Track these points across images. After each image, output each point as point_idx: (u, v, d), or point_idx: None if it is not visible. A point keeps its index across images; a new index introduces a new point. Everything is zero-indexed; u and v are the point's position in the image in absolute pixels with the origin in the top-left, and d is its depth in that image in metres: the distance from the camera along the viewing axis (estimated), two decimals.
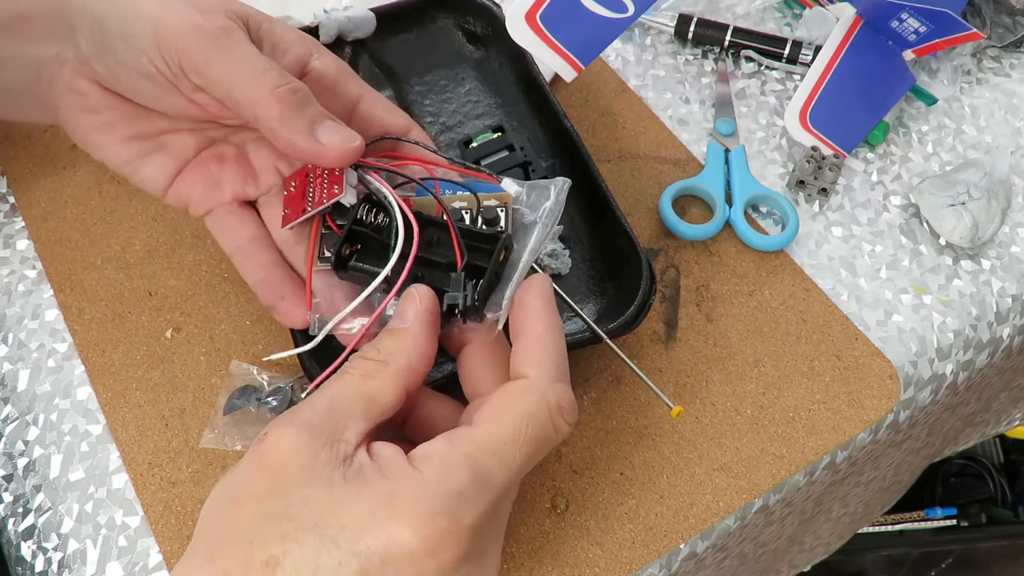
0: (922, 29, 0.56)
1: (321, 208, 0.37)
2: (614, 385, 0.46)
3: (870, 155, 0.57)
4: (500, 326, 0.35)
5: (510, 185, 0.38)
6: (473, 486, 0.29)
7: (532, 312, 0.34)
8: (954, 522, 1.11)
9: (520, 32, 0.48)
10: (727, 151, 0.55)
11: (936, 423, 0.57)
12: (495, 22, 0.54)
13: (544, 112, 0.51)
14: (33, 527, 0.41)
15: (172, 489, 0.41)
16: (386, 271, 0.35)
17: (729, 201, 0.52)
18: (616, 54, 0.60)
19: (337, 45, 0.52)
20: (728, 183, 0.53)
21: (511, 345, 0.34)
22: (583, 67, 0.48)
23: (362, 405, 0.31)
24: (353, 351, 0.34)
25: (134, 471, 0.42)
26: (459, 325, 0.35)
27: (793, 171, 0.54)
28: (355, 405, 0.31)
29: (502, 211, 0.38)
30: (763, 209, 0.53)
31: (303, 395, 0.38)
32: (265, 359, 0.40)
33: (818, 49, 0.59)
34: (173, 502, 0.41)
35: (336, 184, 0.37)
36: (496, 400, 0.32)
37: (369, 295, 0.35)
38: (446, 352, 0.37)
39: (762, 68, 0.60)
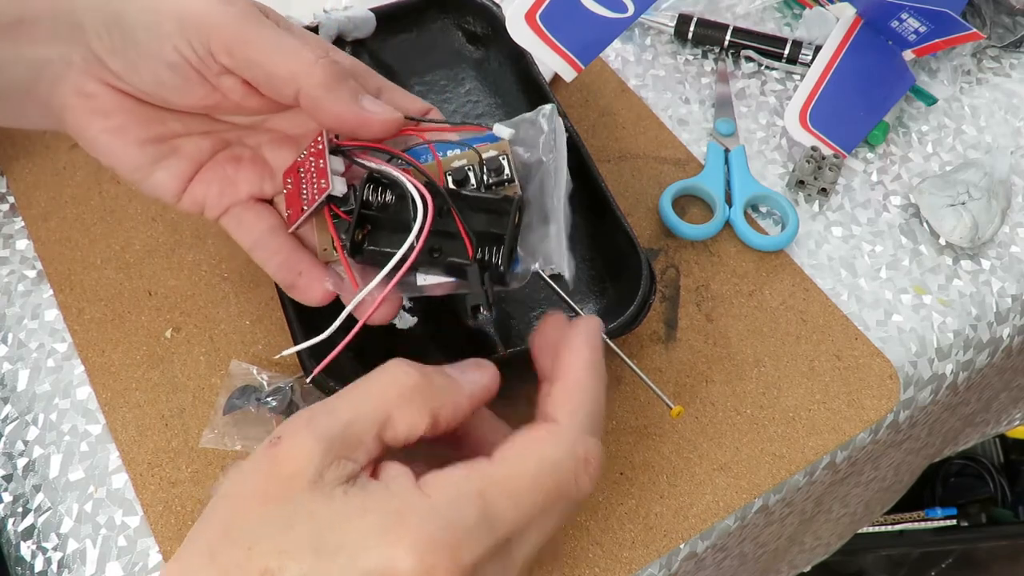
0: (922, 29, 0.56)
1: (316, 205, 0.37)
2: (614, 385, 0.46)
3: (870, 155, 0.57)
4: (571, 279, 0.36)
5: (502, 130, 0.38)
6: (479, 523, 0.28)
7: (576, 354, 0.33)
8: (954, 522, 1.11)
9: (520, 32, 0.48)
10: (727, 151, 0.55)
11: (936, 423, 0.57)
12: (495, 22, 0.54)
13: None
14: (33, 527, 0.41)
15: (172, 489, 0.41)
16: (403, 249, 0.35)
17: (729, 201, 0.52)
18: (616, 54, 0.60)
19: (337, 45, 0.52)
20: (728, 183, 0.53)
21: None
22: (583, 67, 0.48)
23: (375, 430, 0.30)
24: (365, 325, 0.35)
25: (134, 471, 0.42)
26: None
27: (793, 171, 0.54)
28: (371, 429, 0.30)
29: (504, 159, 0.37)
30: (763, 209, 0.53)
31: (307, 381, 0.38)
32: (278, 356, 0.39)
33: (818, 49, 0.59)
34: (173, 502, 0.41)
35: (322, 178, 0.36)
36: (522, 440, 0.30)
37: (391, 271, 0.35)
38: None
39: (762, 68, 0.60)
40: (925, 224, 0.53)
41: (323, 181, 0.36)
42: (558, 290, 0.37)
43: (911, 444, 0.57)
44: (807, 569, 0.70)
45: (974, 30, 0.54)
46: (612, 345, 0.38)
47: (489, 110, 0.53)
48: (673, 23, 0.61)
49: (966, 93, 0.61)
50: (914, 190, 0.54)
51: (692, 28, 0.60)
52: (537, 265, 0.36)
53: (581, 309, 0.40)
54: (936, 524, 1.11)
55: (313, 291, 0.38)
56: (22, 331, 0.46)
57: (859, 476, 0.55)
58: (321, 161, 0.37)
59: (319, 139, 0.37)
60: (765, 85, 0.60)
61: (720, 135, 0.56)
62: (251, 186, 0.40)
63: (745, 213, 0.52)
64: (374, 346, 0.44)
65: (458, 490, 0.28)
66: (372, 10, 0.53)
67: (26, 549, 0.41)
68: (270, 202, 0.40)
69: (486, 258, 0.35)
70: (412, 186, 0.35)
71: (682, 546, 0.42)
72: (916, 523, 1.11)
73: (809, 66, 0.58)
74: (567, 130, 0.48)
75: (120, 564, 0.40)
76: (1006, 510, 1.13)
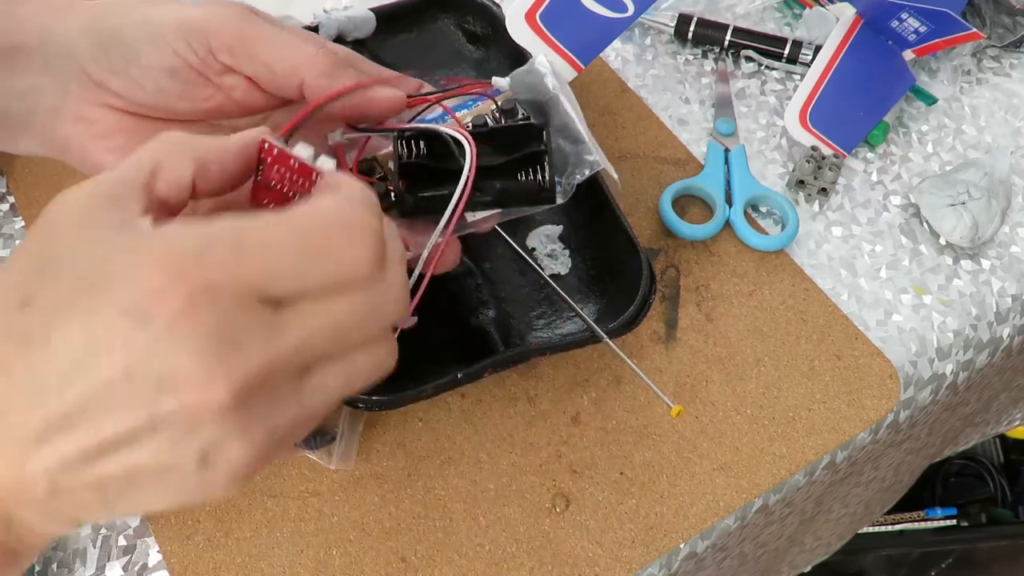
0: (922, 29, 0.56)
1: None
2: (614, 385, 0.46)
3: (870, 155, 0.57)
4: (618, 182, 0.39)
5: (501, 81, 0.40)
6: (230, 255, 0.24)
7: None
8: (954, 522, 1.11)
9: (520, 32, 0.48)
10: (727, 151, 0.55)
11: (936, 423, 0.57)
12: (495, 22, 0.54)
13: None
14: None
15: None
16: (461, 183, 0.35)
17: (729, 201, 0.52)
18: (616, 54, 0.60)
19: None
20: (728, 183, 0.53)
21: None
22: (583, 67, 0.48)
23: (148, 175, 0.28)
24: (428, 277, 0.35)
25: None
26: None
27: (793, 171, 0.54)
28: (140, 173, 0.28)
29: (515, 102, 0.40)
30: (763, 209, 0.53)
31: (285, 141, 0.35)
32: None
33: (818, 49, 0.59)
34: None
35: (305, 173, 0.34)
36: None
37: (423, 227, 0.37)
38: None
39: (762, 68, 0.60)
40: (925, 224, 0.53)
41: (310, 175, 0.35)
42: (558, 290, 0.37)
43: (911, 444, 0.57)
44: (807, 569, 0.70)
45: (974, 30, 0.54)
46: (612, 345, 0.38)
47: None
48: (673, 23, 0.61)
49: (966, 93, 0.61)
50: (914, 190, 0.54)
51: (692, 28, 0.60)
52: (588, 172, 0.39)
53: (581, 309, 0.41)
54: (936, 524, 1.11)
55: None
56: None
57: (859, 476, 0.55)
58: (292, 161, 0.35)
59: (265, 152, 0.32)
60: (765, 85, 0.60)
61: (720, 135, 0.56)
62: None
63: (745, 213, 0.52)
64: None
65: (215, 227, 0.25)
66: (372, 10, 0.53)
67: None
68: None
69: (529, 177, 0.38)
70: (448, 130, 0.37)
71: (682, 546, 0.42)
72: (916, 523, 1.11)
73: (809, 66, 0.58)
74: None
75: (120, 564, 0.40)
76: (1006, 510, 1.13)
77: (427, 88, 0.42)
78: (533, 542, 0.41)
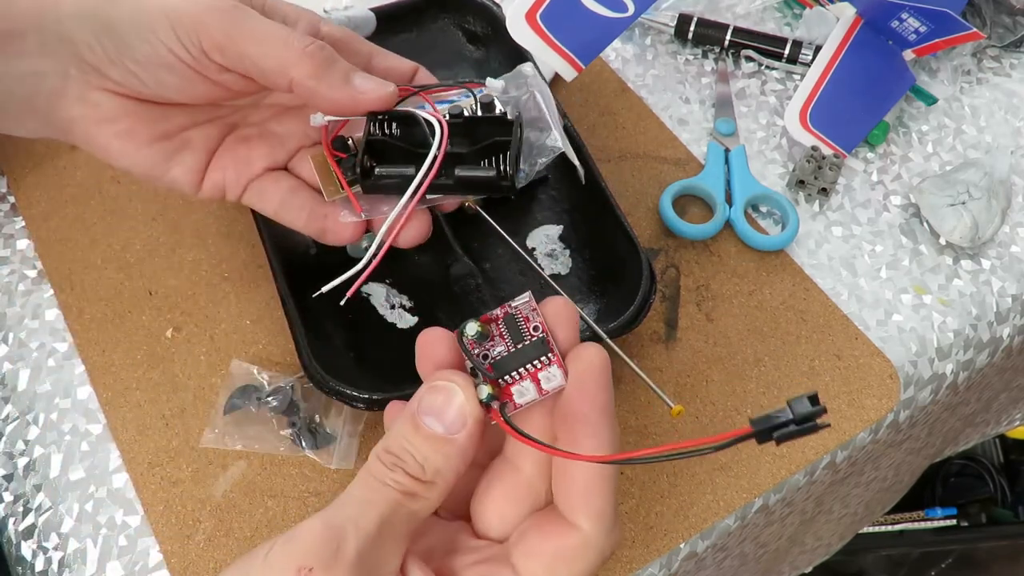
0: (922, 29, 0.56)
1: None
2: (614, 385, 0.46)
3: (870, 155, 0.57)
4: (582, 176, 0.43)
5: (495, 83, 0.41)
6: None
7: (592, 429, 0.29)
8: (954, 522, 1.11)
9: (520, 32, 0.48)
10: (727, 151, 0.55)
11: (936, 423, 0.57)
12: (495, 22, 0.54)
13: None
14: (33, 527, 0.41)
15: (172, 488, 0.41)
16: (428, 162, 0.37)
17: (729, 201, 0.52)
18: (616, 54, 0.60)
19: None
20: (728, 183, 0.53)
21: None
22: (583, 67, 0.48)
23: (407, 527, 0.28)
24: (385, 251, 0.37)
25: (134, 470, 0.42)
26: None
27: (793, 171, 0.54)
28: (401, 528, 0.28)
29: (494, 98, 0.41)
30: (763, 209, 0.53)
31: (341, 303, 0.38)
32: (315, 294, 0.38)
33: (818, 49, 0.59)
34: (173, 501, 0.41)
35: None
36: (548, 558, 0.29)
37: (390, 199, 0.39)
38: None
39: (762, 68, 0.60)
40: (925, 224, 0.53)
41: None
42: (559, 290, 0.37)
43: (911, 444, 0.57)
44: (808, 570, 0.70)
45: (974, 30, 0.54)
46: (612, 345, 0.38)
47: None
48: (673, 23, 0.61)
49: (966, 93, 0.61)
50: (914, 190, 0.54)
51: (692, 28, 0.60)
52: (549, 155, 0.41)
53: (582, 309, 0.40)
54: (936, 524, 1.11)
55: (342, 228, 0.40)
56: (23, 331, 0.46)
57: (859, 476, 0.55)
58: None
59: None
60: (765, 85, 0.60)
61: (720, 135, 0.56)
62: (264, 159, 0.41)
63: (745, 213, 0.52)
64: (374, 346, 0.44)
65: None
66: (372, 10, 0.54)
67: (27, 548, 0.41)
68: (283, 169, 0.42)
69: (494, 166, 0.39)
70: (424, 112, 0.38)
71: (682, 546, 0.42)
72: (916, 523, 1.11)
73: (809, 66, 0.58)
74: (568, 130, 0.48)
75: (120, 563, 0.40)
76: (1006, 510, 1.13)
77: (422, 71, 0.43)
78: None
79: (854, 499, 0.60)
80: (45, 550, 0.40)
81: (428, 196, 0.39)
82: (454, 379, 0.30)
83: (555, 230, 0.49)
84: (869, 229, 0.53)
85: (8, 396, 0.44)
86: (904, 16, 0.56)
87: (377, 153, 0.39)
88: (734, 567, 0.50)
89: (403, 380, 0.37)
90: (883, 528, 1.10)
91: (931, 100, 0.59)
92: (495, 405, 0.29)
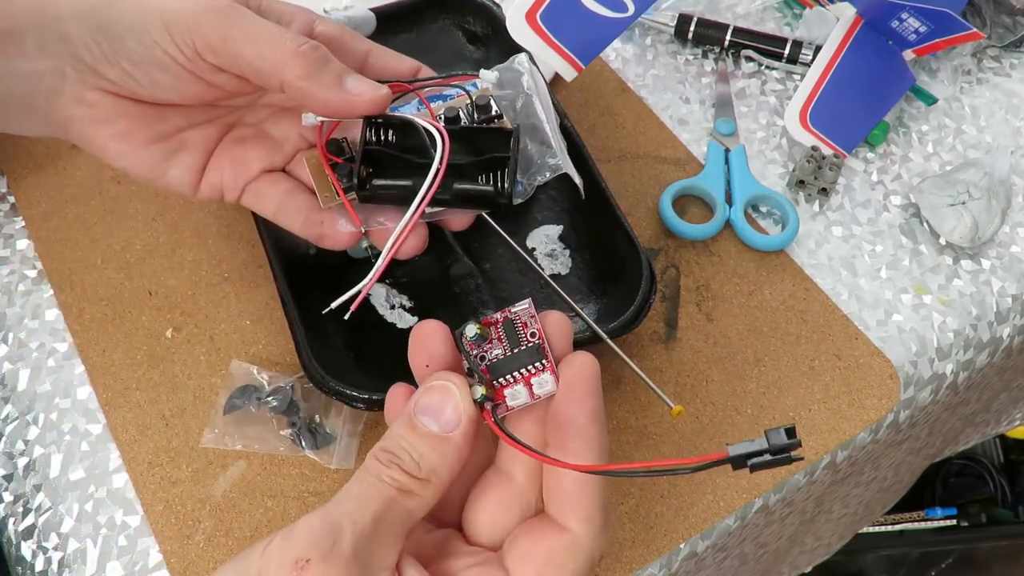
0: (922, 29, 0.56)
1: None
2: (614, 385, 0.46)
3: (870, 155, 0.57)
4: (582, 187, 0.41)
5: (488, 75, 0.41)
6: None
7: (579, 433, 0.30)
8: (954, 522, 1.11)
9: (520, 32, 0.48)
10: (727, 151, 0.55)
11: (936, 423, 0.57)
12: (495, 22, 0.54)
13: None
14: (33, 527, 0.41)
15: (172, 488, 0.41)
16: (430, 176, 0.36)
17: (729, 201, 0.52)
18: (616, 54, 0.60)
19: None
20: (728, 183, 0.53)
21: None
22: (583, 67, 0.48)
23: (403, 525, 0.29)
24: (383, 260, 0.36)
25: (134, 470, 0.42)
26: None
27: (793, 171, 0.54)
28: (397, 525, 0.29)
29: (490, 99, 0.41)
30: (763, 209, 0.53)
31: (345, 317, 0.37)
32: (325, 310, 0.38)
33: (818, 49, 0.59)
34: (173, 501, 0.41)
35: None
36: (540, 561, 0.29)
37: (385, 207, 0.39)
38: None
39: (762, 68, 0.60)
40: (925, 224, 0.53)
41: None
42: (558, 290, 0.37)
43: (911, 444, 0.57)
44: (808, 570, 0.70)
45: (974, 30, 0.54)
46: (613, 345, 0.38)
47: None
48: (673, 23, 0.61)
49: (966, 93, 0.61)
50: (914, 190, 0.54)
51: (692, 28, 0.60)
52: (548, 174, 0.40)
53: (582, 309, 0.40)
54: (936, 524, 1.11)
55: (338, 236, 0.40)
56: (23, 331, 0.46)
57: (859, 476, 0.55)
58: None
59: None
60: (765, 85, 0.60)
61: (720, 135, 0.56)
62: (261, 161, 0.41)
63: (745, 213, 0.52)
64: (374, 346, 0.44)
65: None
66: (372, 10, 0.54)
67: (27, 549, 0.41)
68: (281, 171, 0.42)
69: (491, 181, 0.38)
70: (424, 122, 0.38)
71: (682, 546, 0.42)
72: (916, 523, 1.11)
73: (809, 66, 0.58)
74: (567, 130, 0.48)
75: (120, 563, 0.40)
76: (1006, 510, 1.13)
77: (425, 71, 0.43)
78: None
79: (854, 499, 0.60)
80: (45, 550, 0.40)
81: (427, 210, 0.39)
82: (450, 379, 0.30)
83: (555, 230, 0.49)
84: (869, 229, 0.53)
85: (8, 396, 0.44)
86: (904, 16, 0.56)
87: (373, 161, 0.39)
88: (734, 567, 0.50)
89: (403, 380, 0.37)
90: (883, 528, 1.10)
91: (931, 100, 0.59)
92: (488, 406, 0.30)
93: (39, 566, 0.40)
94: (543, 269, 0.47)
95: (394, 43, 0.54)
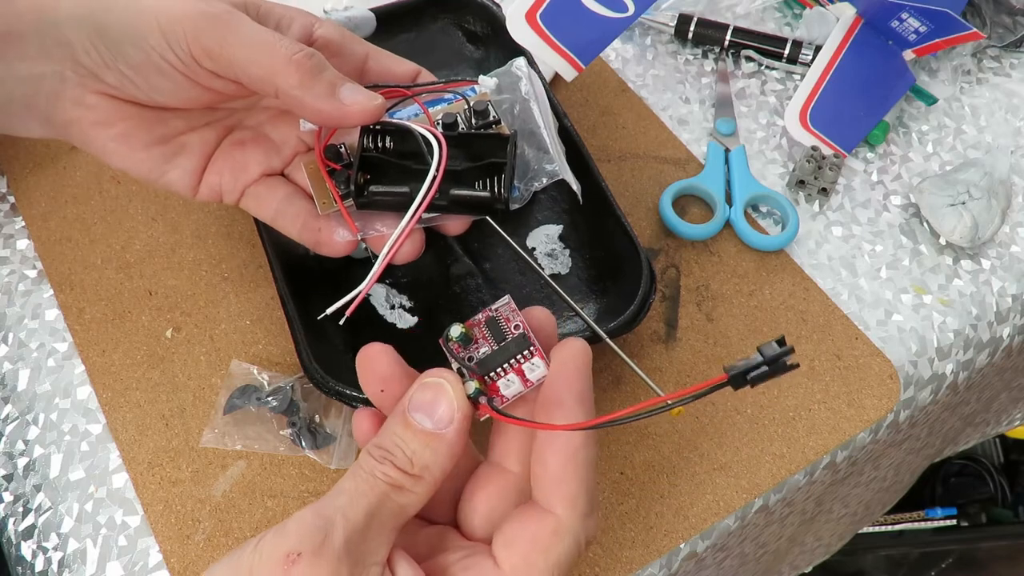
0: (922, 29, 0.56)
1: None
2: (614, 385, 0.46)
3: (870, 155, 0.57)
4: (579, 192, 0.41)
5: (487, 81, 0.41)
6: None
7: (569, 412, 0.30)
8: (954, 522, 1.11)
9: (520, 31, 0.48)
10: (727, 151, 0.55)
11: (936, 423, 0.57)
12: (495, 22, 0.54)
13: None
14: (33, 527, 0.41)
15: (172, 488, 0.41)
16: (427, 182, 0.36)
17: (729, 201, 0.52)
18: (616, 54, 0.60)
19: None
20: (728, 183, 0.53)
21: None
22: (583, 67, 0.48)
23: (395, 521, 0.29)
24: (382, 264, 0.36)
25: (134, 471, 0.42)
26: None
27: (793, 171, 0.54)
28: (389, 521, 0.29)
29: (488, 103, 0.41)
30: (763, 209, 0.53)
31: (340, 322, 0.37)
32: (320, 316, 0.38)
33: (818, 49, 0.59)
34: (173, 501, 0.41)
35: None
36: (525, 545, 0.29)
37: (383, 213, 0.39)
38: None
39: (762, 68, 0.60)
40: (925, 224, 0.53)
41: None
42: (558, 290, 0.37)
43: (911, 444, 0.57)
44: (808, 570, 0.70)
45: (974, 30, 0.54)
46: (612, 345, 0.38)
47: None
48: (673, 23, 0.61)
49: (966, 93, 0.61)
50: (914, 190, 0.54)
51: (692, 28, 0.60)
52: (545, 180, 0.40)
53: (582, 309, 0.40)
54: (936, 524, 1.11)
55: (335, 244, 0.40)
56: (22, 331, 0.46)
57: (859, 476, 0.55)
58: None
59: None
60: (765, 85, 0.60)
61: (720, 135, 0.56)
62: (260, 165, 0.41)
63: (745, 213, 0.52)
64: None
65: None
66: (372, 10, 0.54)
67: (27, 549, 0.41)
68: (279, 175, 0.42)
69: (488, 187, 0.38)
70: (421, 128, 0.37)
71: (682, 546, 0.42)
72: (916, 523, 1.11)
73: (809, 66, 0.58)
74: (567, 130, 0.48)
75: (120, 563, 0.40)
76: (1006, 510, 1.13)
77: (424, 74, 0.43)
78: None
79: (854, 499, 0.60)
80: (45, 550, 0.40)
81: (423, 216, 0.39)
82: (444, 376, 0.31)
83: (555, 230, 0.49)
84: (869, 229, 0.53)
85: (8, 396, 0.44)
86: (904, 16, 0.56)
87: (371, 168, 0.39)
88: (734, 567, 0.50)
89: None
90: (883, 528, 1.10)
91: (931, 100, 0.59)
92: (483, 400, 0.31)
93: (39, 566, 0.40)
94: (543, 269, 0.47)
95: (394, 43, 0.54)
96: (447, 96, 0.42)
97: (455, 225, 0.41)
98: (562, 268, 0.47)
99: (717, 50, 0.61)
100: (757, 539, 0.49)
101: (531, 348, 0.32)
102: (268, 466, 0.42)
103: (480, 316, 0.32)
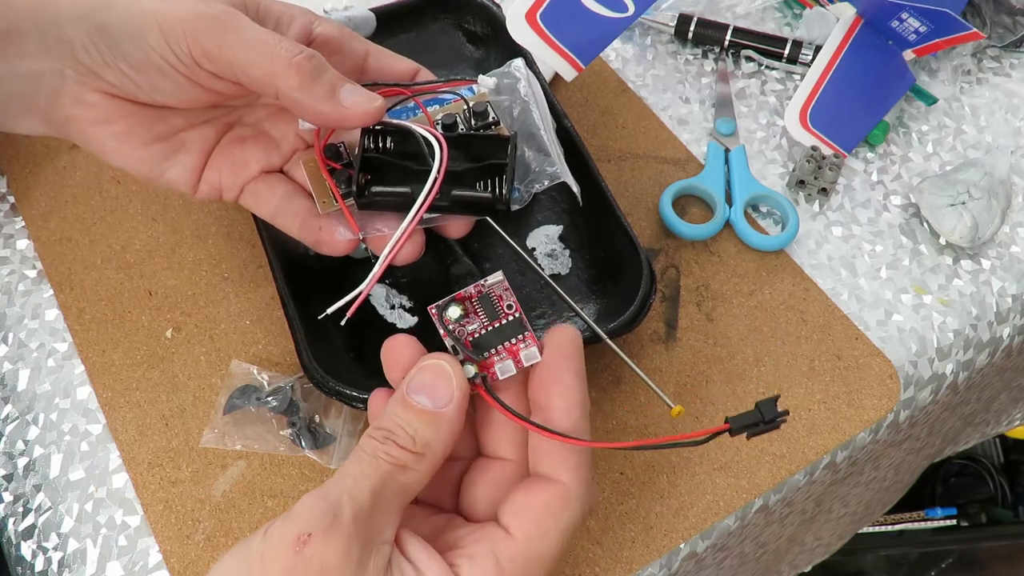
0: (922, 29, 0.56)
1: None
2: (614, 385, 0.46)
3: (870, 155, 0.57)
4: (579, 195, 0.41)
5: (486, 80, 0.41)
6: None
7: (563, 388, 0.32)
8: (954, 522, 1.11)
9: (520, 31, 0.48)
10: (727, 151, 0.55)
11: (936, 423, 0.57)
12: (495, 22, 0.54)
13: None
14: (33, 527, 0.41)
15: (172, 488, 0.41)
16: (428, 183, 0.36)
17: (729, 201, 0.52)
18: (616, 54, 0.60)
19: None
20: (728, 183, 0.53)
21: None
22: (583, 67, 0.48)
23: (400, 501, 0.30)
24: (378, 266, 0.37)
25: (134, 471, 0.42)
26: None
27: (793, 171, 0.54)
28: (394, 501, 0.30)
29: (487, 104, 0.41)
30: (763, 209, 0.53)
31: (342, 323, 0.37)
32: (321, 315, 0.38)
33: (818, 49, 0.59)
34: (173, 501, 0.41)
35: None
36: (536, 512, 0.30)
37: (383, 214, 0.39)
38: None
39: (762, 68, 0.60)
40: (925, 224, 0.53)
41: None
42: (558, 290, 0.37)
43: (911, 444, 0.57)
44: (808, 569, 0.70)
45: (974, 30, 0.54)
46: (612, 345, 0.38)
47: None
48: (673, 23, 0.61)
49: (966, 93, 0.61)
50: (914, 190, 0.54)
51: (692, 28, 0.60)
52: (546, 182, 0.41)
53: (582, 309, 0.40)
54: (936, 524, 1.11)
55: (336, 243, 0.40)
56: (22, 331, 0.46)
57: (859, 476, 0.55)
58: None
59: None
60: (765, 85, 0.60)
61: (720, 135, 0.56)
62: (260, 162, 0.41)
63: (745, 213, 0.52)
64: (374, 346, 0.44)
65: None
66: (372, 10, 0.54)
67: (27, 549, 0.41)
68: (279, 171, 0.42)
69: (489, 188, 0.39)
70: (422, 130, 0.38)
71: (682, 546, 0.42)
72: (916, 523, 1.11)
73: (809, 66, 0.58)
74: (567, 130, 0.48)
75: (120, 564, 0.40)
76: (1006, 510, 1.13)
77: (423, 73, 0.43)
78: None
79: (854, 499, 0.60)
80: (45, 550, 0.40)
81: (424, 216, 0.39)
82: (442, 359, 0.32)
83: (555, 230, 0.49)
84: (869, 229, 0.53)
85: (8, 396, 0.44)
86: (904, 16, 0.56)
87: (372, 168, 0.39)
88: (734, 567, 0.50)
89: None
90: (883, 528, 1.10)
91: (931, 100, 0.59)
92: (479, 381, 0.32)
93: (39, 566, 0.40)
94: (543, 269, 0.47)
95: (394, 43, 0.54)
96: (444, 96, 0.42)
97: (456, 228, 0.41)
98: (562, 268, 0.47)
99: (717, 50, 0.61)
100: (757, 539, 0.49)
101: (526, 332, 0.33)
102: (268, 466, 0.42)
103: (472, 290, 0.34)
